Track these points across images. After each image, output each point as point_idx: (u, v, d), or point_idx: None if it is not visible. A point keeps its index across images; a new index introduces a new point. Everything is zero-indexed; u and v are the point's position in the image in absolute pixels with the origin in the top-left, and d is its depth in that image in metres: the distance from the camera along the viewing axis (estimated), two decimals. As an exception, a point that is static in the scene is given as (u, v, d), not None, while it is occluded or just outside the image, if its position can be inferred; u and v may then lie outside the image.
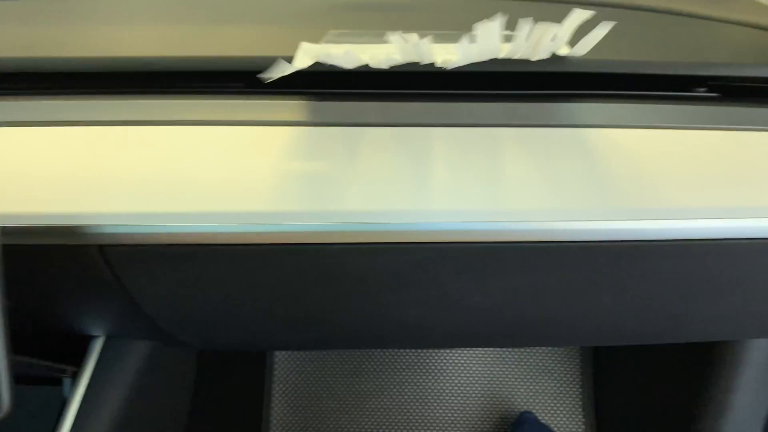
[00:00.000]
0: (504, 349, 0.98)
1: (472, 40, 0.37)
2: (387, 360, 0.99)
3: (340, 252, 0.37)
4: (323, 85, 0.43)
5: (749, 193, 0.39)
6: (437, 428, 0.96)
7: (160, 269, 0.40)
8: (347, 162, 0.38)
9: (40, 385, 0.54)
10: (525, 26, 0.38)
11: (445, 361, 0.99)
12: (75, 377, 0.52)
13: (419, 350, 0.99)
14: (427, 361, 0.99)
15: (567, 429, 0.95)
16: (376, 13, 0.55)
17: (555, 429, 0.94)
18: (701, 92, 0.47)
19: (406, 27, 0.50)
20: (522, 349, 0.99)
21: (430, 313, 0.44)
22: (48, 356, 0.54)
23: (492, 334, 0.49)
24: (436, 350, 0.99)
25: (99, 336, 0.53)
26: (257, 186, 0.37)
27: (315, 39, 0.44)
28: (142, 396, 0.54)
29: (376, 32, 0.48)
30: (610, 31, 0.49)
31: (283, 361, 0.99)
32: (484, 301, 0.42)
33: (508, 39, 0.39)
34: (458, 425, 0.96)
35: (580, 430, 0.94)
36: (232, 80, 0.42)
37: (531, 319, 0.45)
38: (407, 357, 0.99)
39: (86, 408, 0.50)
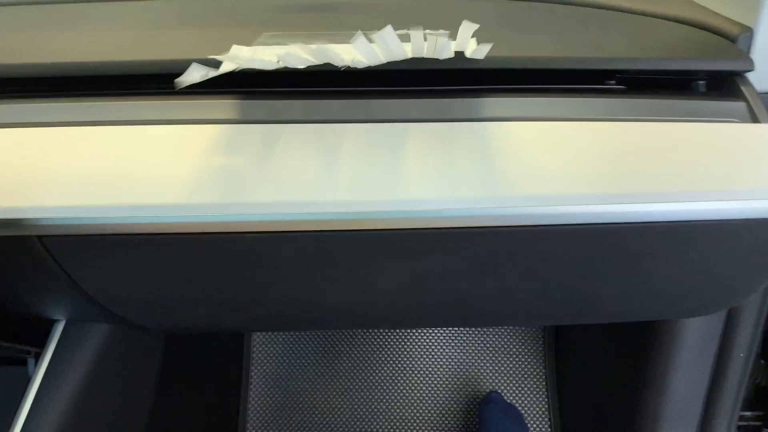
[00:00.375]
0: (471, 332, 1.02)
1: (369, 42, 0.40)
2: (359, 343, 1.03)
3: (253, 240, 0.41)
4: (251, 84, 0.46)
5: (646, 180, 0.41)
6: (408, 407, 1.00)
7: (96, 256, 0.43)
8: (262, 157, 0.41)
9: (11, 365, 0.58)
10: (418, 32, 0.40)
11: (415, 343, 1.03)
12: (38, 358, 0.56)
13: (390, 333, 1.03)
14: (398, 343, 1.03)
15: (532, 407, 0.98)
16: (317, 14, 0.58)
17: (520, 407, 0.97)
18: (610, 85, 0.49)
19: (345, 27, 0.54)
20: (488, 332, 1.02)
21: (351, 295, 0.47)
22: (14, 338, 0.58)
23: (418, 314, 0.52)
24: (406, 333, 1.03)
25: (61, 319, 0.57)
26: (178, 180, 0.40)
27: (251, 41, 0.48)
28: (102, 375, 0.59)
29: (308, 33, 0.51)
30: (525, 26, 0.52)
31: (260, 343, 1.03)
32: (398, 283, 0.45)
33: (405, 39, 0.42)
34: (428, 404, 1.00)
35: (543, 408, 0.97)
36: (166, 82, 0.45)
37: (444, 299, 0.48)
38: (378, 340, 1.03)
39: (46, 386, 0.54)
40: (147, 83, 0.46)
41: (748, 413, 0.90)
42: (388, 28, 0.38)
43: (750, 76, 0.48)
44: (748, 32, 0.47)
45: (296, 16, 0.57)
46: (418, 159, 0.41)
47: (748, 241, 0.41)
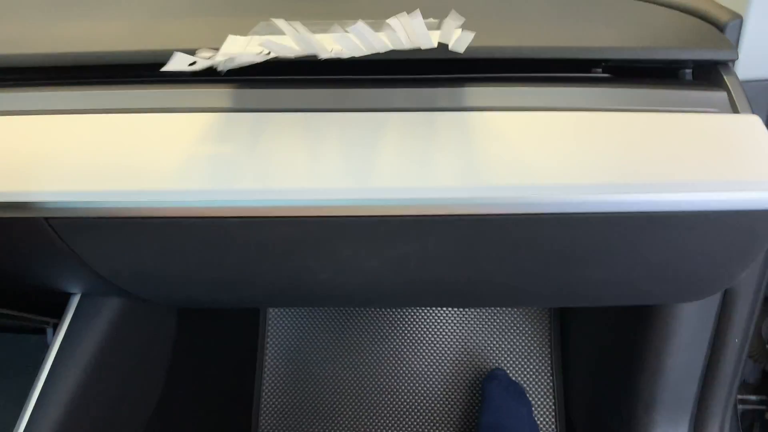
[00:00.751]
0: (478, 311, 1.03)
1: (347, 35, 0.41)
2: (369, 318, 1.06)
3: (239, 225, 0.43)
4: (246, 72, 0.48)
5: (623, 171, 0.42)
6: (414, 381, 1.03)
7: (99, 237, 0.47)
8: (249, 145, 0.44)
9: (31, 334, 0.63)
10: (396, 22, 0.42)
11: (424, 320, 1.05)
12: (56, 328, 0.60)
13: (399, 310, 1.06)
14: (407, 319, 1.06)
15: (536, 385, 1.00)
16: (321, 2, 0.59)
17: (525, 385, 0.99)
18: (596, 73, 0.49)
19: (348, 15, 0.55)
20: (495, 311, 1.03)
21: (337, 277, 0.50)
22: (33, 310, 0.63)
23: (406, 296, 0.54)
24: (415, 310, 1.05)
25: (76, 293, 0.62)
26: (171, 167, 0.43)
27: (245, 30, 0.49)
28: (116, 344, 0.63)
29: (303, 23, 0.52)
30: (513, 11, 0.52)
31: (275, 317, 1.07)
32: (381, 266, 0.47)
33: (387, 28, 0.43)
34: (433, 379, 1.02)
35: (548, 386, 0.99)
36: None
37: (429, 282, 0.50)
38: (388, 316, 1.06)
39: (63, 354, 0.58)
40: (147, 72, 0.49)
41: (753, 397, 0.90)
42: (360, 23, 0.39)
43: (740, 62, 0.48)
44: (738, 19, 0.46)
45: (302, 4, 0.59)
46: (399, 148, 0.43)
47: (720, 231, 0.42)
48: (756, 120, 0.41)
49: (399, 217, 0.42)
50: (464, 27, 0.46)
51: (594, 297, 0.54)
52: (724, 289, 0.61)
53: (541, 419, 0.98)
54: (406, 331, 1.05)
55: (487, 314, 1.04)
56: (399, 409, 1.02)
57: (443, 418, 1.00)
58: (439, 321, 1.05)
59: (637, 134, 0.42)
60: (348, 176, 0.42)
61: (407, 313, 1.06)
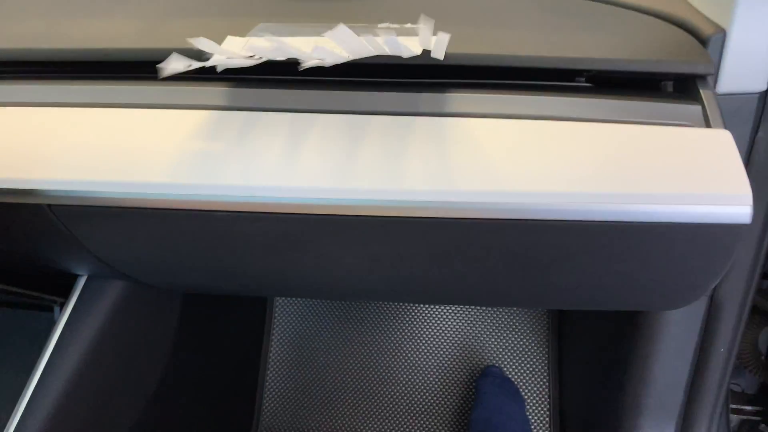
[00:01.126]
0: (477, 308, 1.05)
1: (328, 43, 0.43)
2: (372, 310, 1.09)
3: (224, 218, 0.45)
4: (240, 71, 0.50)
5: (591, 181, 0.43)
6: (411, 373, 1.05)
7: (97, 223, 0.50)
8: (237, 142, 0.46)
9: (39, 311, 0.67)
10: (373, 30, 0.43)
11: (424, 315, 1.07)
12: (62, 306, 0.64)
13: (400, 303, 1.08)
14: (408, 313, 1.08)
15: (532, 384, 1.01)
16: (322, 3, 0.61)
17: (521, 383, 1.00)
18: (579, 82, 0.50)
19: (347, 17, 0.56)
20: (493, 309, 1.05)
21: (320, 272, 0.52)
22: (42, 289, 0.67)
23: (385, 290, 0.56)
24: (416, 305, 1.07)
25: (82, 274, 0.65)
26: (164, 160, 0.45)
27: (245, 30, 0.52)
28: (119, 323, 0.66)
29: (301, 25, 0.54)
30: (501, 19, 0.53)
31: (282, 306, 1.11)
32: (358, 262, 0.49)
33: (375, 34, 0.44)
34: (430, 373, 1.04)
35: (543, 387, 1.00)
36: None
37: (404, 280, 0.51)
38: (390, 309, 1.08)
39: (68, 331, 0.62)
40: (148, 69, 0.51)
41: (748, 407, 0.89)
42: (342, 28, 0.41)
43: (723, 76, 0.48)
44: (721, 33, 0.47)
45: (302, 5, 0.61)
46: (379, 151, 0.44)
47: (685, 243, 0.43)
48: (726, 135, 0.42)
49: (375, 218, 0.44)
50: (451, 34, 0.48)
51: (571, 301, 0.55)
52: (709, 299, 0.62)
53: (536, 417, 0.99)
54: (407, 325, 1.07)
55: (487, 312, 1.05)
56: (397, 399, 1.04)
57: (439, 410, 1.02)
58: (440, 316, 1.07)
59: (611, 145, 0.43)
60: (327, 176, 0.44)
61: (409, 307, 1.08)
